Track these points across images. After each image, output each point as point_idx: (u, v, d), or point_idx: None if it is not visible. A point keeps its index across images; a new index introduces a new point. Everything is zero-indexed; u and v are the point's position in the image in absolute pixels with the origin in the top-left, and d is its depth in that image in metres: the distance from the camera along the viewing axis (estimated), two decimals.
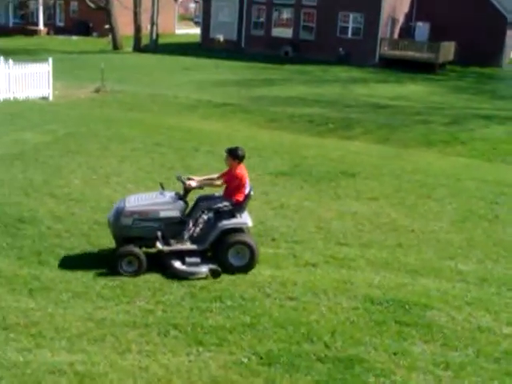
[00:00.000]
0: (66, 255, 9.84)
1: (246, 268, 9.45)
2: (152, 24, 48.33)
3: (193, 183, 9.56)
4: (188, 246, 9.48)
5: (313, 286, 9.03)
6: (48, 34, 58.40)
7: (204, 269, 9.27)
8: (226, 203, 9.62)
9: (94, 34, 56.73)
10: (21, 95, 24.39)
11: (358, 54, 42.97)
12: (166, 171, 14.84)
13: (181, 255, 9.41)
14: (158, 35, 49.03)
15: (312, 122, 23.58)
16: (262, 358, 7.20)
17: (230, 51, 46.20)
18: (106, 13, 48.45)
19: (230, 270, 9.38)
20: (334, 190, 14.15)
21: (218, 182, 9.77)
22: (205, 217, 9.68)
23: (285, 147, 18.54)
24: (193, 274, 9.22)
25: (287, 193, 13.76)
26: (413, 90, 33.48)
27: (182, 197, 9.59)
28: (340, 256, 10.30)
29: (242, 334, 7.69)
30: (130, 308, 8.25)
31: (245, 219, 9.65)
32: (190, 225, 9.58)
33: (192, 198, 9.84)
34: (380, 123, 23.80)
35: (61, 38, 55.92)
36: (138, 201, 9.66)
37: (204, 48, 48.72)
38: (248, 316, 8.11)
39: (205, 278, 9.12)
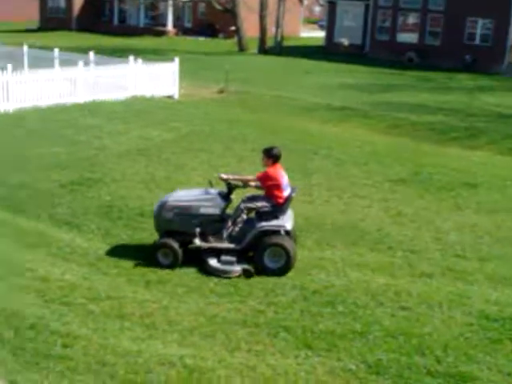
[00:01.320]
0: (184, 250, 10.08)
1: (282, 271, 9.32)
2: (277, 26, 48.73)
3: (223, 175, 9.64)
4: (225, 244, 9.53)
5: (427, 297, 8.82)
6: (176, 34, 60.06)
7: (237, 268, 9.29)
8: (265, 204, 9.57)
9: (221, 35, 57.83)
10: (148, 93, 25.18)
11: (485, 61, 41.61)
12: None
13: (218, 253, 9.46)
14: (282, 38, 49.39)
15: (434, 129, 23.03)
16: (370, 367, 7.11)
17: (354, 55, 45.90)
18: (232, 15, 49.29)
19: (266, 271, 9.32)
20: (454, 201, 13.77)
21: (250, 178, 9.77)
22: (244, 216, 9.62)
23: (405, 154, 18.22)
24: (225, 272, 9.26)
25: (405, 201, 13.52)
26: None
27: (225, 195, 9.66)
28: (457, 268, 10.01)
29: (351, 340, 7.63)
30: (242, 306, 8.36)
31: (284, 222, 9.49)
32: (229, 223, 9.60)
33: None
34: (506, 133, 22.95)
35: (188, 38, 57.38)
36: (182, 196, 9.87)
37: (328, 51, 48.62)
38: (359, 323, 8.03)
39: (317, 282, 9.11)
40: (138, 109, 22.25)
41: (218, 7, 50.40)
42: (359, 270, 9.63)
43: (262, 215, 9.57)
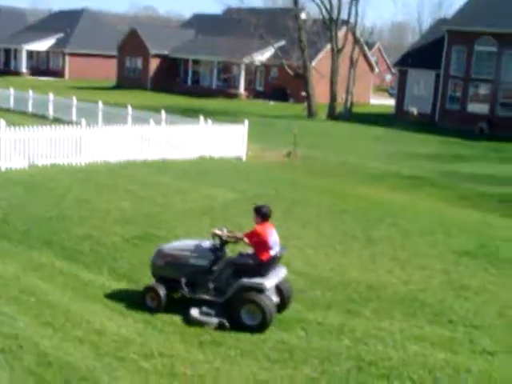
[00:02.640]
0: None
1: (258, 328, 9.32)
2: (347, 93, 49.13)
3: (217, 231, 9.95)
4: (208, 296, 9.76)
5: (488, 375, 8.46)
6: (247, 97, 61.16)
7: (215, 320, 9.43)
8: (249, 261, 9.68)
9: (291, 99, 58.58)
10: (216, 153, 25.53)
11: None
12: (347, 239, 14.81)
13: (201, 303, 9.69)
14: (352, 104, 49.71)
15: (503, 201, 22.56)
16: None
17: (423, 124, 45.71)
18: (303, 80, 49.95)
19: (242, 327, 9.34)
20: None
21: (239, 235, 9.95)
22: (229, 270, 9.76)
23: (472, 226, 17.85)
24: (203, 323, 9.43)
25: (470, 273, 13.14)
26: None
27: (216, 248, 9.92)
28: None
29: None
30: (295, 374, 8.19)
31: (265, 279, 9.50)
32: (215, 276, 9.83)
33: None
34: None
35: (259, 101, 58.31)
36: (176, 246, 10.29)
37: (397, 119, 48.59)
38: None
39: (373, 353, 8.87)
40: (206, 168, 22.54)
41: (290, 72, 51.19)
42: (417, 343, 9.34)
43: (246, 271, 9.61)
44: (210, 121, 25.67)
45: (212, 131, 25.64)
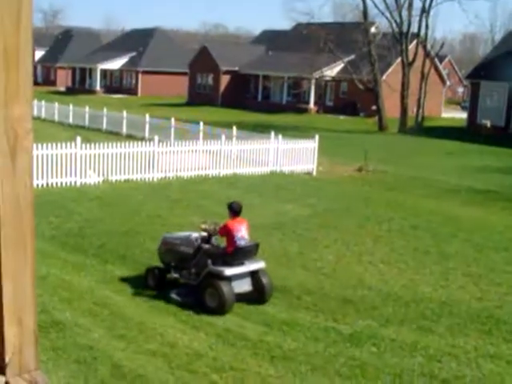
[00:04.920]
0: (309, 327, 9.99)
1: (216, 310, 10.35)
2: (418, 106, 48.54)
3: (202, 225, 11.39)
4: (189, 280, 11.13)
5: None
6: (317, 112, 61.10)
7: (186, 299, 10.73)
8: (218, 250, 11.06)
9: (361, 114, 58.22)
10: (287, 168, 25.59)
11: None
12: (419, 255, 14.61)
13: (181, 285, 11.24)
14: (423, 118, 49.07)
15: None
16: None
17: (497, 137, 44.71)
18: (374, 94, 49.62)
19: (205, 308, 10.46)
20: None
21: (215, 228, 11.23)
22: (205, 258, 10.91)
23: None
24: (176, 301, 10.75)
25: None
26: None
27: (202, 239, 11.28)
28: None
29: None
30: None
31: (225, 268, 10.56)
32: (195, 262, 11.09)
33: None
34: None
35: (329, 116, 58.17)
36: (175, 235, 11.80)
37: (470, 133, 47.70)
38: None
39: (447, 371, 8.70)
40: (276, 184, 22.61)
41: (361, 86, 50.92)
42: (493, 361, 9.12)
43: (216, 260, 10.80)
44: (280, 136, 25.77)
45: (282, 146, 25.73)
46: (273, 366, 8.63)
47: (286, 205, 18.99)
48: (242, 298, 10.87)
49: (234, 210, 11.01)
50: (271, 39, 71.91)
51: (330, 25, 59.51)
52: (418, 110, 48.64)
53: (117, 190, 20.02)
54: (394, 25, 48.88)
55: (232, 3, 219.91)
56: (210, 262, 10.73)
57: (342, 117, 57.61)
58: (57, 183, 20.35)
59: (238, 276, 10.79)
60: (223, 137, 24.50)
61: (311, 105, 61.85)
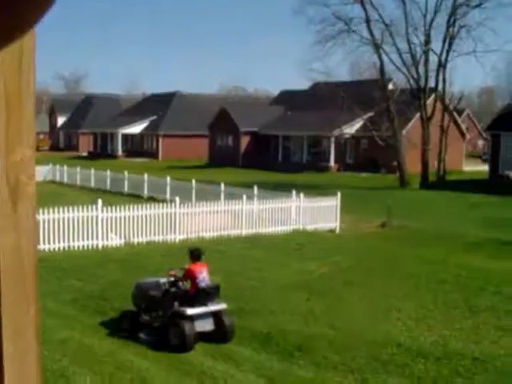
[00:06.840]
0: None
1: (179, 349, 10.94)
2: (439, 161, 48.36)
3: (170, 271, 12.11)
4: (156, 321, 11.70)
5: None
6: (338, 170, 61.08)
7: (155, 339, 11.38)
8: (182, 292, 11.74)
9: (382, 170, 58.08)
10: (309, 226, 25.39)
11: None
12: (448, 310, 14.24)
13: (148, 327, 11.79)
14: (445, 172, 48.84)
15: None
16: None
17: None
18: (394, 150, 49.53)
19: (169, 346, 11.06)
20: None
21: (180, 274, 11.98)
22: (170, 300, 11.66)
23: None
24: (144, 341, 11.46)
25: None
26: None
27: (170, 283, 11.90)
28: None
29: None
30: None
31: (188, 309, 11.23)
32: (162, 304, 11.74)
33: None
34: None
35: (349, 174, 58.10)
36: (146, 280, 12.41)
37: (492, 184, 47.31)
38: None
39: None
40: (300, 242, 22.36)
41: (381, 143, 50.93)
42: None
43: (182, 301, 11.51)
44: (301, 194, 25.65)
45: (304, 205, 25.59)
46: None
47: (310, 263, 18.73)
48: (206, 337, 11.47)
49: (195, 256, 11.96)
50: (289, 99, 72.52)
51: (347, 83, 60.03)
52: (439, 165, 48.46)
53: (138, 252, 19.90)
54: (412, 80, 49.17)
55: (250, 66, 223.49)
56: (176, 303, 11.49)
57: (363, 174, 57.49)
58: (79, 246, 20.34)
59: (200, 316, 11.49)
60: (244, 197, 24.42)
61: (331, 163, 61.88)
